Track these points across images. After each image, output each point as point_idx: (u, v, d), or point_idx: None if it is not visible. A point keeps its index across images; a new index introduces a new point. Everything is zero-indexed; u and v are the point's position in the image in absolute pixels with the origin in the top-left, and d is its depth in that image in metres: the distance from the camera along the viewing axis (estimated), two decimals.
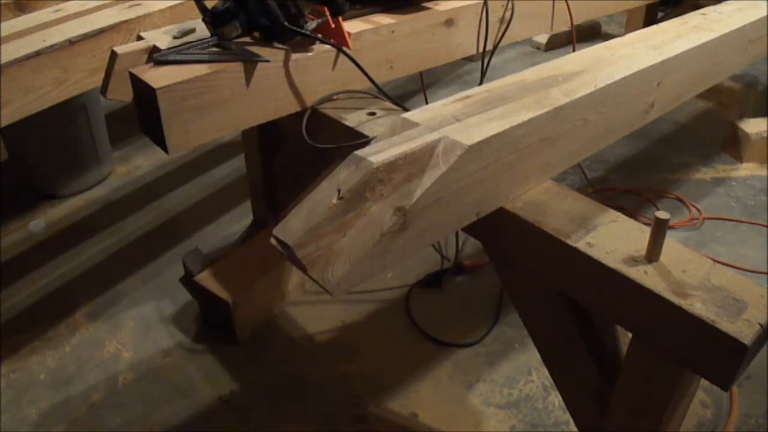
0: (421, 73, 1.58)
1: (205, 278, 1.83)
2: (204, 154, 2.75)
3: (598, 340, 1.09)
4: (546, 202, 1.05)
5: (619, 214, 1.03)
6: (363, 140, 1.17)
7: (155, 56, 1.13)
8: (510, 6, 1.58)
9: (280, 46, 1.20)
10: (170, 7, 1.57)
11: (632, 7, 2.88)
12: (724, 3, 1.69)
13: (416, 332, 1.84)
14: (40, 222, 2.34)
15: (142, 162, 2.72)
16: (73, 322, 1.90)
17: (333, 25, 1.22)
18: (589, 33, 3.83)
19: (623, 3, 2.32)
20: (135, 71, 1.09)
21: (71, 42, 1.38)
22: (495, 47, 1.58)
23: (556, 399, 1.63)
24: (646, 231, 0.94)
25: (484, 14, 1.53)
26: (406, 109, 1.14)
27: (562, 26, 1.80)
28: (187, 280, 2.00)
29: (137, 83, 1.08)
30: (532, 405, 1.62)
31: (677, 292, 0.86)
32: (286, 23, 1.15)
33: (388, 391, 1.66)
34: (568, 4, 1.72)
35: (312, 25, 1.20)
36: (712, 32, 1.44)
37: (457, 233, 1.96)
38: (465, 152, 0.89)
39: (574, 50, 1.36)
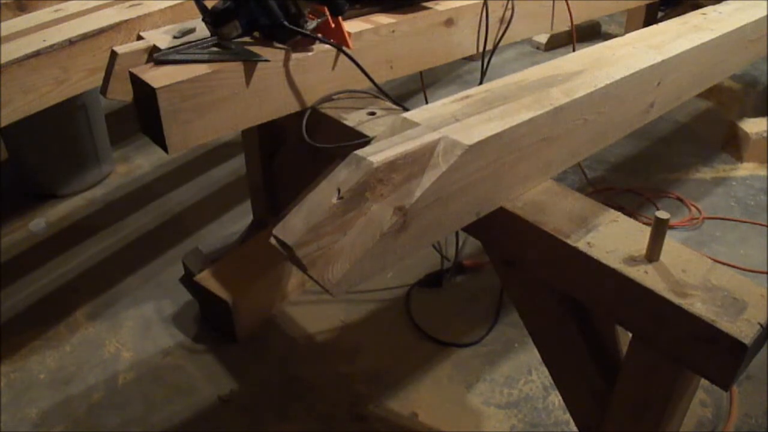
0: (421, 73, 1.58)
1: (205, 278, 1.83)
2: (204, 154, 2.75)
3: (598, 340, 1.09)
4: (546, 201, 1.05)
5: (619, 214, 1.03)
6: (363, 140, 1.17)
7: (155, 56, 1.13)
8: (510, 6, 1.58)
9: (280, 45, 1.20)
10: (170, 7, 1.57)
11: (632, 7, 2.88)
12: (724, 3, 1.69)
13: (416, 332, 1.84)
14: (41, 221, 2.34)
15: (142, 162, 2.72)
16: (73, 322, 1.90)
17: (333, 25, 1.22)
18: (589, 33, 3.83)
19: (623, 3, 2.32)
20: (135, 71, 1.09)
21: (71, 42, 1.38)
22: (495, 47, 1.58)
23: (556, 399, 1.63)
24: (646, 231, 0.94)
25: (484, 14, 1.53)
26: (406, 109, 1.14)
27: (562, 26, 1.80)
28: (187, 280, 2.00)
29: (137, 83, 1.08)
30: (532, 405, 1.62)
31: (677, 291, 0.86)
32: (286, 23, 1.15)
33: (388, 391, 1.66)
34: (568, 4, 1.72)
35: (312, 24, 1.20)
36: (712, 32, 1.44)
37: (457, 233, 1.96)
38: (465, 152, 0.89)
39: (574, 50, 1.35)
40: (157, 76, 1.06)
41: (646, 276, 0.89)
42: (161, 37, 1.27)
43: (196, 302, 1.94)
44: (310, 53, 1.23)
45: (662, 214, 0.89)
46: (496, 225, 1.05)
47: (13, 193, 2.50)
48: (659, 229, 0.90)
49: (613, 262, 0.91)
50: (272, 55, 1.18)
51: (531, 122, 0.99)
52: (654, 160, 2.67)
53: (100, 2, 1.58)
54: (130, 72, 1.10)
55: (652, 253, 0.91)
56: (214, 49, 1.16)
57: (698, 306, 0.84)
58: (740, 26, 1.53)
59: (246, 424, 1.59)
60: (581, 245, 0.95)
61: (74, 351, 1.81)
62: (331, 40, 1.23)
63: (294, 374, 1.72)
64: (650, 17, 3.27)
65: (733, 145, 2.68)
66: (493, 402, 1.63)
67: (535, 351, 1.23)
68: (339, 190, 0.82)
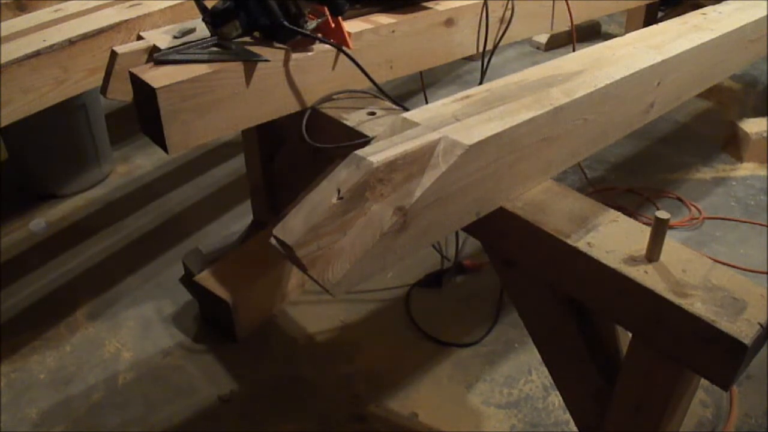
0: (421, 73, 1.58)
1: (205, 278, 1.83)
2: (204, 154, 2.75)
3: (598, 340, 1.09)
4: (546, 201, 1.05)
5: (619, 214, 1.03)
6: (363, 140, 1.17)
7: (155, 56, 1.13)
8: (510, 6, 1.58)
9: (280, 45, 1.20)
10: (170, 7, 1.57)
11: (632, 7, 2.88)
12: (724, 3, 1.69)
13: (416, 332, 1.84)
14: (41, 221, 2.34)
15: (142, 162, 2.72)
16: (73, 322, 1.90)
17: (333, 25, 1.22)
18: (589, 33, 3.83)
19: (623, 3, 2.32)
20: (135, 71, 1.09)
21: (71, 42, 1.38)
22: (495, 47, 1.58)
23: (556, 399, 1.63)
24: (646, 231, 0.94)
25: (484, 14, 1.53)
26: (406, 109, 1.14)
27: (562, 26, 1.81)
28: (187, 280, 2.00)
29: (137, 83, 1.08)
30: (532, 405, 1.62)
31: (677, 291, 0.86)
32: (286, 23, 1.16)
33: (388, 391, 1.66)
34: (568, 4, 1.72)
35: (312, 24, 1.20)
36: (712, 32, 1.44)
37: (457, 233, 1.96)
38: (465, 152, 0.89)
39: (574, 50, 1.36)
40: (157, 76, 1.06)
41: (646, 276, 0.89)
42: (161, 37, 1.27)
43: (196, 302, 1.94)
44: (310, 53, 1.23)
45: (662, 214, 0.89)
46: (496, 225, 1.05)
47: (13, 193, 2.50)
48: (659, 229, 0.90)
49: (613, 262, 0.91)
50: (272, 55, 1.18)
51: (531, 122, 0.99)
52: (654, 160, 2.67)
53: (100, 2, 1.58)
54: (130, 72, 1.10)
55: (652, 253, 0.91)
56: (214, 49, 1.16)
57: (698, 306, 0.84)
58: (740, 26, 1.53)
59: (246, 424, 1.59)
60: (581, 245, 0.95)
61: (74, 351, 1.81)
62: (331, 40, 1.23)
63: (294, 374, 1.72)
64: (650, 17, 3.26)
65: (733, 145, 2.68)
66: (493, 402, 1.63)
67: (535, 351, 1.23)
68: (339, 190, 0.82)
